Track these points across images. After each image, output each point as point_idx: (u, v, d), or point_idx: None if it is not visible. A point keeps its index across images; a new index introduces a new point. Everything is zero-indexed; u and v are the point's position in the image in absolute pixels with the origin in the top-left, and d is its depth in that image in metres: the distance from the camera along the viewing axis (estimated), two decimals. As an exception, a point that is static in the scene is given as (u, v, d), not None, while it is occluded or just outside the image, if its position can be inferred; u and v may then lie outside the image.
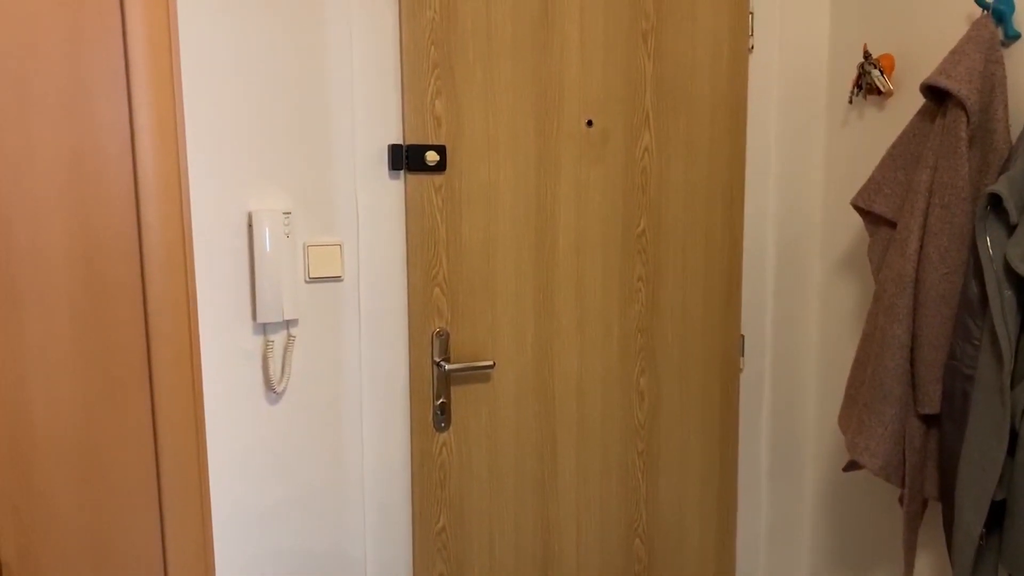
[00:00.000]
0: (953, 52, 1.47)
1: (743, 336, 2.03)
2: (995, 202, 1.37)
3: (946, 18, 1.65)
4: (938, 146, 1.49)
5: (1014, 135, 1.49)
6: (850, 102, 1.92)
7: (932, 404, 1.52)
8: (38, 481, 1.02)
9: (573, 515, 1.91)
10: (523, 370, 1.81)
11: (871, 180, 1.66)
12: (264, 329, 1.60)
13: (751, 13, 1.92)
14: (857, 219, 1.92)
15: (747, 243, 2.00)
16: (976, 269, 1.40)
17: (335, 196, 1.63)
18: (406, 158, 1.65)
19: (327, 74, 1.60)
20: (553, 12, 1.74)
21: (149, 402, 1.07)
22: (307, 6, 1.57)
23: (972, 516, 1.40)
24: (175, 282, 1.06)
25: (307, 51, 1.58)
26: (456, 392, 1.76)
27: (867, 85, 1.81)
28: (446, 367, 1.72)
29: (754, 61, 1.94)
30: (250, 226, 1.56)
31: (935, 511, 1.73)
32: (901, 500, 1.63)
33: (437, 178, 1.69)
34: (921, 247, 1.51)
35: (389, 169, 1.65)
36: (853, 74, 1.90)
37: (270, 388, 1.61)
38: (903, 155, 1.61)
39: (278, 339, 1.61)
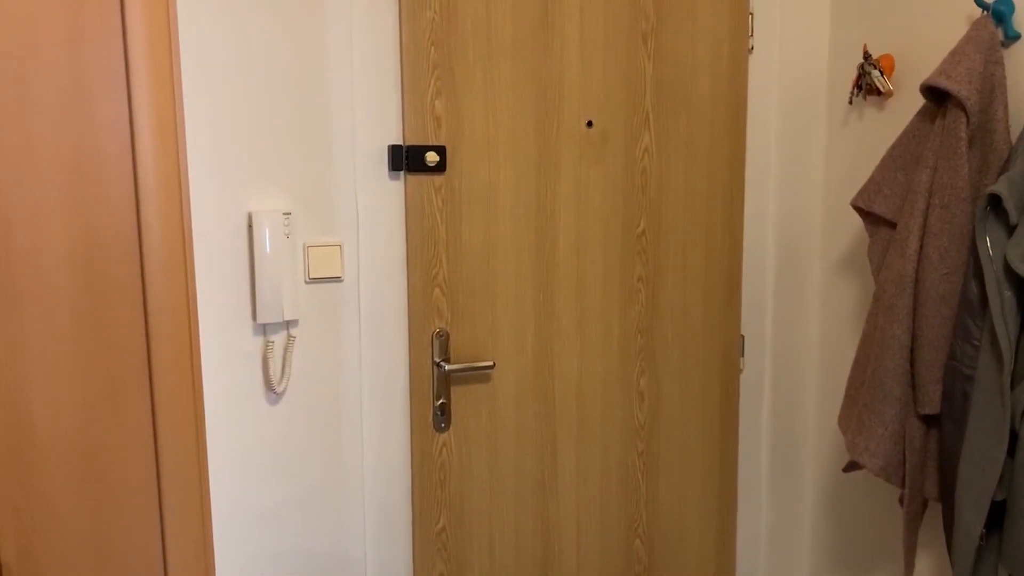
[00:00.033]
0: (953, 53, 1.47)
1: (743, 336, 2.03)
2: (995, 202, 1.37)
3: (946, 19, 1.65)
4: (938, 147, 1.49)
5: (1014, 135, 1.49)
6: (850, 103, 1.92)
7: (932, 404, 1.52)
8: (38, 481, 1.02)
9: (573, 515, 1.91)
10: (523, 370, 1.81)
11: (871, 181, 1.66)
12: (264, 329, 1.60)
13: (751, 14, 1.92)
14: (857, 219, 1.92)
15: (747, 243, 2.00)
16: (976, 269, 1.40)
17: (335, 196, 1.63)
18: (406, 158, 1.65)
19: (327, 74, 1.60)
20: (553, 13, 1.74)
21: (149, 402, 1.07)
22: (307, 6, 1.57)
23: (972, 516, 1.40)
24: (175, 282, 1.06)
25: (307, 51, 1.58)
26: (456, 392, 1.76)
27: (867, 86, 1.81)
28: (446, 367, 1.72)
29: (754, 62, 1.94)
30: (250, 226, 1.56)
31: (935, 511, 1.73)
32: (901, 500, 1.63)
33: (437, 178, 1.69)
34: (921, 247, 1.51)
35: (389, 170, 1.65)
36: (853, 74, 1.90)
37: (270, 388, 1.61)
38: (903, 156, 1.61)
39: (278, 339, 1.61)
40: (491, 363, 1.75)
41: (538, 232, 1.79)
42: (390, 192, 1.66)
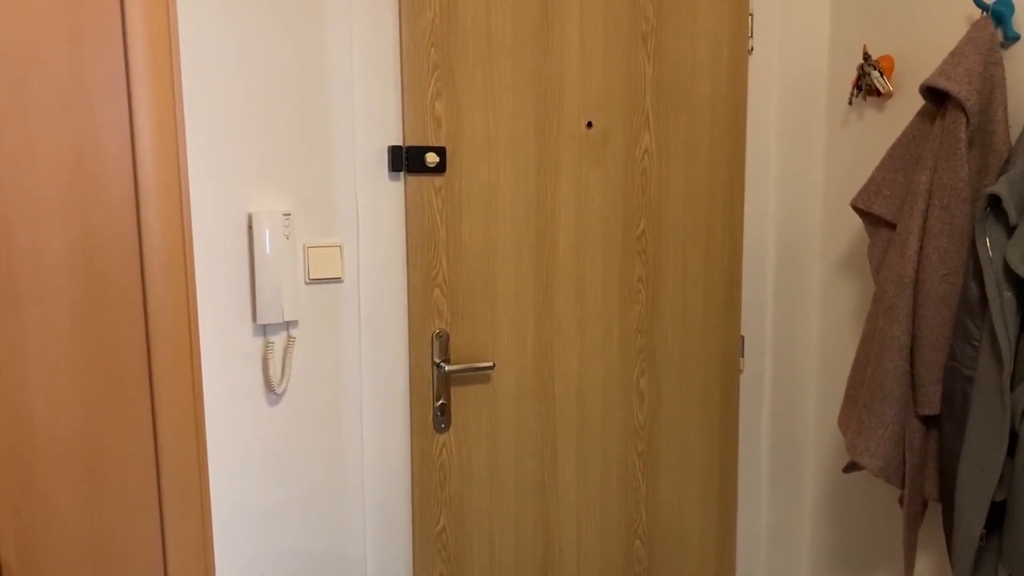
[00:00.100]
0: (952, 53, 1.48)
1: (743, 337, 2.03)
2: (995, 203, 1.37)
3: (946, 19, 1.65)
4: (938, 147, 1.49)
5: (1014, 136, 1.49)
6: (850, 103, 1.92)
7: (932, 405, 1.53)
8: (38, 481, 1.02)
9: (573, 516, 1.91)
10: (523, 371, 1.81)
11: (871, 181, 1.66)
12: (264, 330, 1.60)
13: (751, 14, 1.92)
14: (857, 220, 1.92)
15: (747, 244, 2.00)
16: (976, 270, 1.40)
17: (335, 197, 1.63)
18: (406, 159, 1.65)
19: (327, 74, 1.60)
20: (553, 13, 1.74)
21: (149, 402, 1.07)
22: (307, 6, 1.57)
23: (972, 517, 1.40)
24: (175, 282, 1.06)
25: (307, 51, 1.58)
26: (456, 393, 1.76)
27: (867, 86, 1.81)
28: (446, 368, 1.72)
29: (754, 62, 1.94)
30: (250, 227, 1.56)
31: (935, 512, 1.73)
32: (901, 501, 1.63)
33: (437, 179, 1.69)
34: (921, 248, 1.51)
35: (389, 170, 1.65)
36: (853, 75, 1.90)
37: (270, 389, 1.61)
38: (903, 156, 1.61)
39: (278, 340, 1.61)
40: (491, 363, 1.75)
41: (538, 232, 1.79)
42: (390, 193, 1.66)
